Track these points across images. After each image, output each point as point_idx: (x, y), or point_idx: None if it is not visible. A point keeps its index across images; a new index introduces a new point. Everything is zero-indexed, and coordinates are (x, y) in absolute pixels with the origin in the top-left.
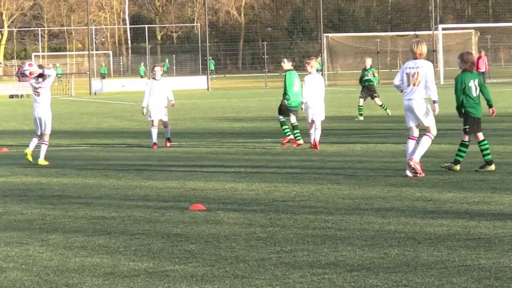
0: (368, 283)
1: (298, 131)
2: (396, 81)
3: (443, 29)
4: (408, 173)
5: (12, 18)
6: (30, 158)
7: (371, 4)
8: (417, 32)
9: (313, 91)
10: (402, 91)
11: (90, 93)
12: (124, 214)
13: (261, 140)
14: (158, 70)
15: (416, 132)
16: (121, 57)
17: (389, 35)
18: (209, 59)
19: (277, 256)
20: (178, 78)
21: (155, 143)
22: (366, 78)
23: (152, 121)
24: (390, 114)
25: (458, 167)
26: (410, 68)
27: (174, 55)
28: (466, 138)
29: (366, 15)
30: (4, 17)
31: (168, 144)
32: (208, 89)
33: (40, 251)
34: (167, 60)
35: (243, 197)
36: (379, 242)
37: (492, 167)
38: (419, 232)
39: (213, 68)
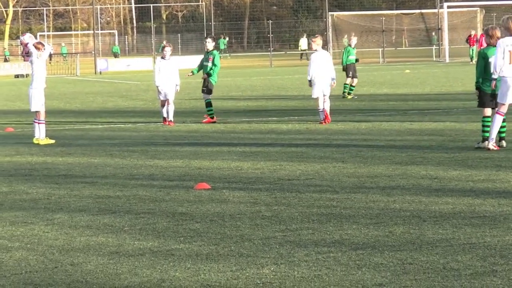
0: (373, 261)
1: (211, 108)
2: (497, 68)
3: (448, 7)
4: (490, 146)
5: None
6: (41, 142)
7: None
8: (423, 11)
9: (319, 68)
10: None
11: (95, 73)
12: (129, 193)
13: (266, 119)
14: (168, 50)
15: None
16: (126, 37)
17: (394, 13)
18: (221, 38)
19: (282, 234)
20: (183, 57)
21: (165, 119)
22: (353, 56)
23: (161, 100)
24: (350, 97)
25: (486, 143)
26: (510, 45)
27: (179, 34)
28: (487, 113)
29: None
30: None
31: (172, 124)
32: None
33: (45, 230)
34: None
35: (248, 176)
36: (384, 220)
37: (486, 144)
38: (424, 210)
39: (223, 47)
